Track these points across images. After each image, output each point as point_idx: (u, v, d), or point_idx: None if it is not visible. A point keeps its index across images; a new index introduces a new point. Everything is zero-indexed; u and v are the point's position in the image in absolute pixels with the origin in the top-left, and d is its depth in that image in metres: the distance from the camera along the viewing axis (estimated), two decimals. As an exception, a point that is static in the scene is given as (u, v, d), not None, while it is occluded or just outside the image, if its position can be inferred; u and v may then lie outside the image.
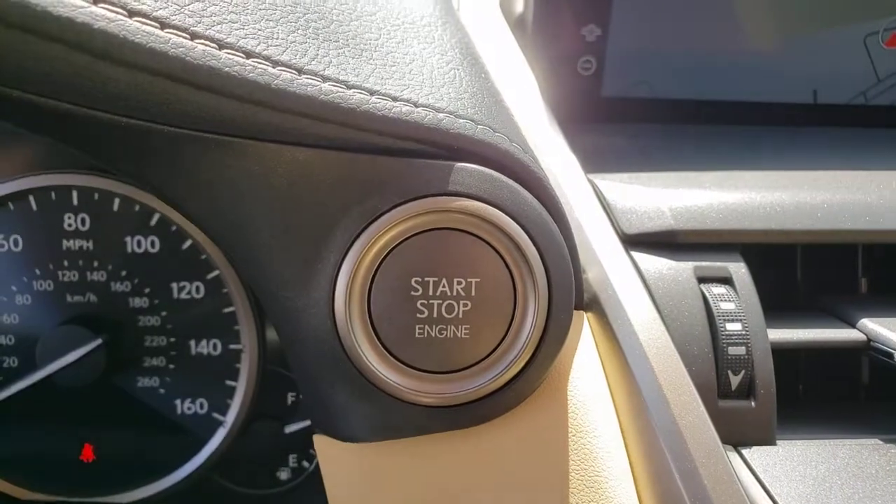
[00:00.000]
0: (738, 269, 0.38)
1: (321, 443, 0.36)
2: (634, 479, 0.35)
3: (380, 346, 0.33)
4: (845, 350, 0.38)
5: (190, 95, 0.26)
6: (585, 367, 0.36)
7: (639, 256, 0.39)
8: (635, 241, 0.39)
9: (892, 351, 0.36)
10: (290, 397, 0.54)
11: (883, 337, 0.37)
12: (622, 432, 0.36)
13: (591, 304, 0.38)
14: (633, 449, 0.35)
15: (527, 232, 0.33)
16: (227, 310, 0.50)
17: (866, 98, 0.60)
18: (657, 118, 0.58)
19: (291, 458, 0.55)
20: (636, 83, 0.58)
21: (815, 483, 0.34)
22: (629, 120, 0.58)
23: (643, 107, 0.59)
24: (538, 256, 0.33)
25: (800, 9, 0.58)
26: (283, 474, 0.55)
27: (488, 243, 0.33)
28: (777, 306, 0.40)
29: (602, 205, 0.41)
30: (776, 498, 0.33)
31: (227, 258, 0.47)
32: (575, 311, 0.36)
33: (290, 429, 0.53)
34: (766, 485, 0.33)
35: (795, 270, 0.43)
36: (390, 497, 0.35)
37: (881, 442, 0.36)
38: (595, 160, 0.45)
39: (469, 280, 0.33)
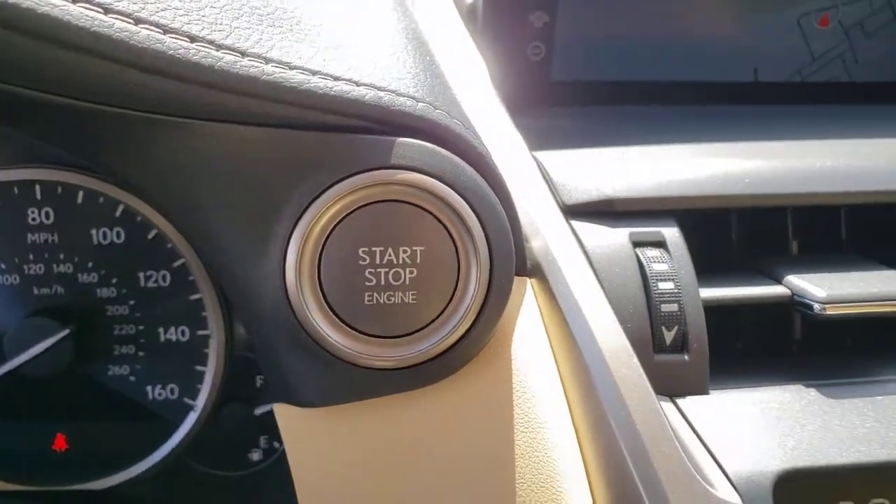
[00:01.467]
0: (672, 234, 0.40)
1: (282, 411, 0.38)
2: (576, 430, 0.37)
3: (331, 313, 0.35)
4: (773, 305, 0.40)
5: (136, 78, 0.28)
6: (529, 330, 0.39)
7: (578, 225, 0.41)
8: (575, 211, 0.41)
9: (812, 303, 0.39)
10: (259, 380, 0.55)
11: (805, 291, 0.40)
12: (564, 389, 0.38)
13: (535, 270, 0.40)
14: (574, 404, 0.37)
15: (467, 202, 0.35)
16: (193, 297, 0.52)
17: (802, 76, 0.63)
18: (606, 100, 0.61)
19: (262, 440, 0.56)
20: (585, 67, 0.61)
21: (744, 426, 0.36)
22: (579, 103, 0.61)
23: (592, 90, 0.61)
24: (479, 225, 0.35)
25: (737, -8, 0.61)
26: (255, 455, 0.57)
27: (431, 213, 0.35)
28: (713, 269, 0.43)
29: (544, 178, 0.43)
30: (706, 442, 0.35)
31: (189, 241, 0.49)
32: (518, 278, 0.39)
33: (260, 411, 0.55)
34: (698, 430, 0.36)
35: (730, 235, 0.45)
36: (348, 458, 0.37)
37: (803, 387, 0.38)
38: (540, 139, 0.47)
39: (414, 248, 0.35)
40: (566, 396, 0.38)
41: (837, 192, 0.44)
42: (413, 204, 0.35)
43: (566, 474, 0.36)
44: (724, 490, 0.33)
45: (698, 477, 0.33)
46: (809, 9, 0.62)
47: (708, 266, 0.42)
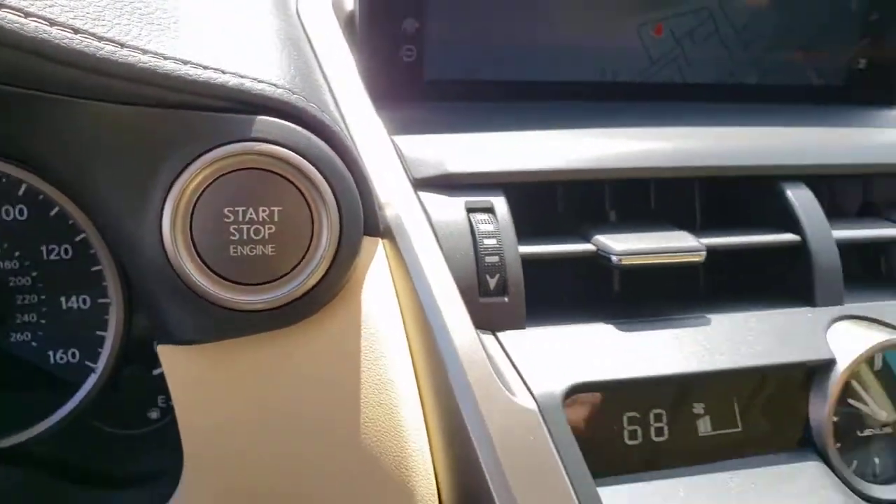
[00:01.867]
0: (499, 202, 0.49)
1: (164, 351, 0.44)
2: (413, 361, 0.45)
3: (202, 263, 0.42)
4: (583, 259, 0.49)
5: (24, 61, 0.34)
6: (379, 282, 0.46)
7: (424, 196, 0.49)
8: (422, 184, 0.49)
9: (611, 256, 0.48)
10: (156, 345, 0.61)
11: (606, 246, 0.48)
12: (406, 333, 0.45)
13: (386, 233, 0.48)
14: (413, 340, 0.45)
15: (319, 170, 0.42)
16: (94, 268, 0.57)
17: (643, 77, 0.73)
18: (473, 97, 0.69)
19: (160, 399, 0.62)
20: (454, 67, 0.69)
21: (549, 352, 0.44)
22: (450, 99, 0.69)
23: (461, 88, 0.69)
24: (329, 190, 0.43)
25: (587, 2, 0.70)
26: (153, 414, 0.62)
27: (287, 179, 0.42)
28: (543, 233, 0.51)
29: (398, 157, 0.51)
30: (516, 364, 0.43)
31: (89, 217, 0.54)
32: (370, 238, 0.46)
33: (157, 371, 0.60)
34: (511, 356, 0.44)
35: (557, 205, 0.54)
36: (222, 391, 0.43)
37: (604, 324, 0.47)
38: (400, 126, 0.55)
39: (272, 209, 0.42)
40: (407, 335, 0.45)
41: (646, 168, 0.53)
42: (271, 171, 0.42)
43: (403, 396, 0.44)
44: (524, 400, 0.42)
45: (505, 391, 0.42)
46: (647, 20, 0.72)
47: (538, 230, 0.51)
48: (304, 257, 0.43)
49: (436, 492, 0.43)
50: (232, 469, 0.45)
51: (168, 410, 0.63)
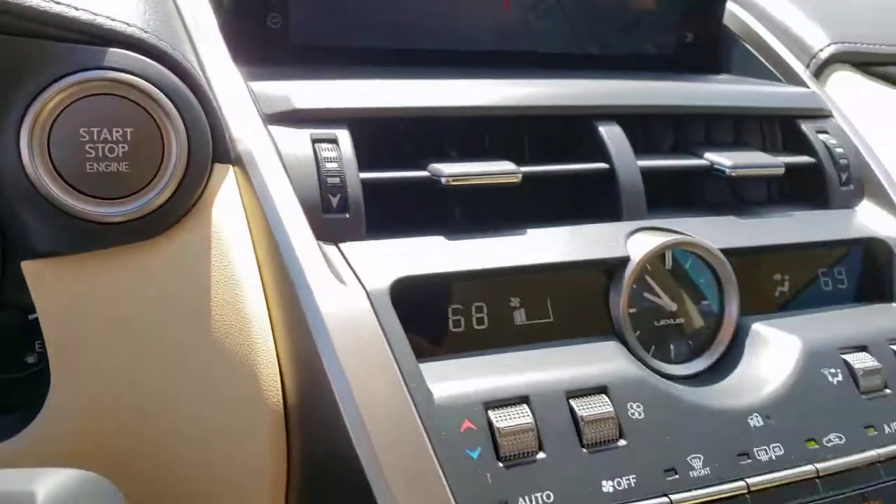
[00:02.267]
0: (342, 134, 0.55)
1: (28, 267, 0.48)
2: (261, 274, 0.50)
3: (59, 178, 0.46)
4: (423, 185, 0.56)
5: None
6: (229, 205, 0.52)
7: (274, 129, 0.55)
8: (272, 119, 0.55)
9: (440, 178, 0.55)
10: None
11: (437, 170, 0.55)
12: (254, 243, 0.51)
13: (237, 161, 0.53)
14: (259, 250, 0.51)
15: (169, 98, 0.48)
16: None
17: (496, 45, 0.81)
18: (336, 62, 0.75)
19: (37, 344, 0.65)
20: (318, 34, 0.75)
21: (383, 256, 0.51)
22: (315, 63, 0.75)
23: (324, 53, 0.75)
24: (178, 116, 0.48)
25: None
26: (31, 358, 0.65)
27: (139, 105, 0.47)
28: (388, 166, 0.58)
29: (250, 95, 0.56)
30: (354, 266, 0.50)
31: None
32: (222, 165, 0.52)
33: (33, 316, 0.63)
34: (350, 261, 0.50)
35: (402, 144, 0.60)
36: (82, 298, 0.48)
37: (433, 236, 0.53)
38: (257, 76, 0.60)
39: (125, 129, 0.47)
40: (254, 247, 0.51)
41: (478, 107, 0.61)
42: (123, 97, 0.47)
43: (250, 296, 0.49)
44: (356, 291, 0.48)
45: (339, 284, 0.48)
46: (495, -7, 0.80)
47: (383, 163, 0.57)
48: (155, 175, 0.48)
49: (278, 375, 0.48)
50: (96, 379, 0.49)
51: (45, 355, 0.66)
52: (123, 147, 0.47)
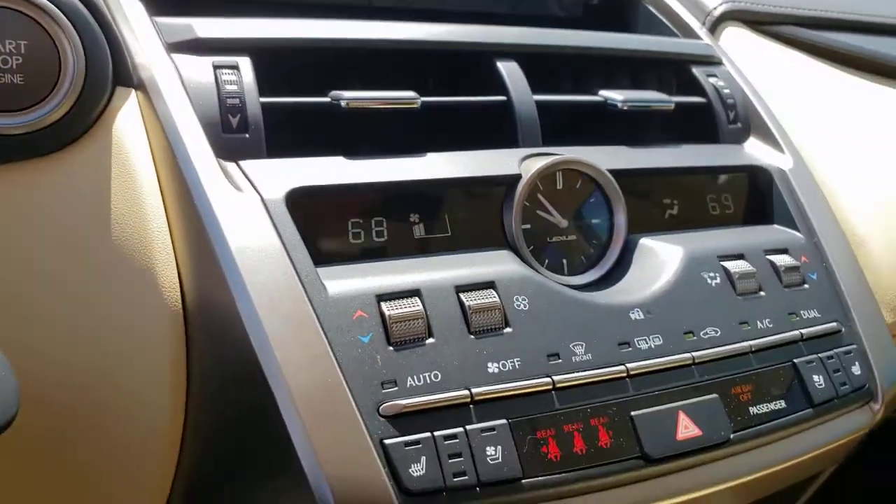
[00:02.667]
0: (244, 61, 0.57)
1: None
2: (162, 191, 0.52)
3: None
4: (327, 111, 0.58)
5: None
6: (131, 124, 0.53)
7: (177, 57, 0.56)
8: (175, 48, 0.57)
9: (339, 102, 0.57)
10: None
11: (337, 95, 0.58)
12: (156, 167, 0.53)
13: (140, 86, 0.55)
14: (161, 171, 0.52)
15: (65, 15, 0.49)
16: None
17: (406, 3, 0.85)
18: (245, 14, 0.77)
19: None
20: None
21: (284, 172, 0.53)
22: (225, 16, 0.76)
23: (235, 7, 0.77)
24: (75, 32, 0.50)
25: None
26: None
27: (32, 18, 0.48)
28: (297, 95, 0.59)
29: (153, 25, 0.58)
30: (251, 178, 0.51)
31: None
32: (124, 88, 0.53)
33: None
34: (250, 176, 0.52)
35: (309, 74, 0.62)
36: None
37: (334, 157, 0.56)
38: (161, 12, 0.62)
39: (19, 42, 0.48)
40: (156, 167, 0.53)
41: (381, 40, 0.63)
42: (18, 10, 0.48)
43: (150, 210, 0.51)
44: (253, 199, 0.50)
45: (238, 193, 0.50)
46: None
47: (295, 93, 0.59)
48: (53, 90, 0.49)
49: (177, 281, 0.50)
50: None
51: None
52: (17, 59, 0.48)
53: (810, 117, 0.82)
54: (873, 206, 0.75)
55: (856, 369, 0.61)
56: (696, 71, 0.78)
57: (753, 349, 0.57)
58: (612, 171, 0.62)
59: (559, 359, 0.51)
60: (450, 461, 0.44)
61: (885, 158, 0.80)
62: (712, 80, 0.78)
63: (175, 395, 0.50)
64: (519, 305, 0.51)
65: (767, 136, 0.77)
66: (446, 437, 0.45)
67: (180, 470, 0.51)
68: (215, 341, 0.49)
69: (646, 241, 0.62)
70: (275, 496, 0.47)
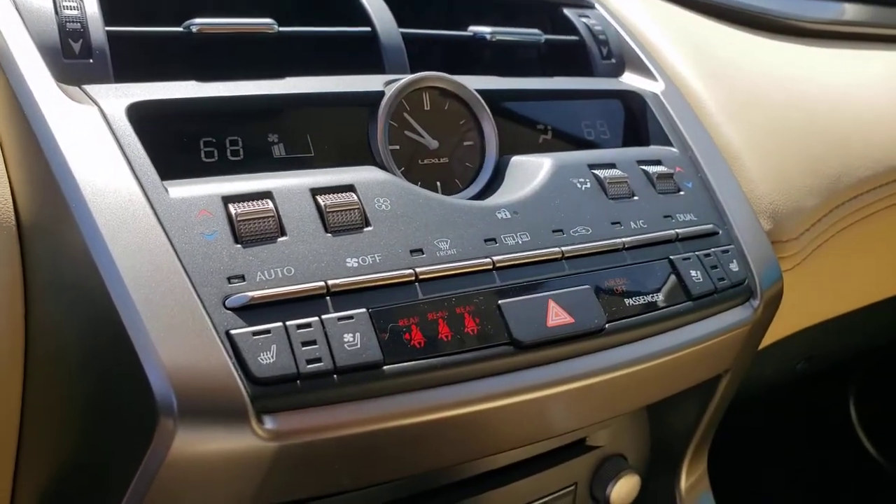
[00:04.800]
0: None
1: None
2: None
3: None
4: (181, 40, 0.56)
5: None
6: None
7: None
8: None
9: (191, 27, 0.56)
10: None
11: (190, 23, 0.56)
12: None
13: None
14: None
15: None
16: None
17: None
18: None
19: None
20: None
21: (125, 89, 0.51)
22: None
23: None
24: None
25: None
26: None
27: None
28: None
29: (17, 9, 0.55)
30: (90, 93, 0.49)
31: None
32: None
33: None
34: (88, 92, 0.50)
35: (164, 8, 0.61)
36: None
37: (188, 81, 0.54)
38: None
39: None
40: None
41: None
42: None
43: None
44: (90, 112, 0.48)
45: (77, 106, 0.48)
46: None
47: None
48: None
49: (10, 194, 0.47)
50: None
51: None
52: None
53: (685, 52, 0.84)
54: (746, 124, 0.77)
55: (734, 266, 0.62)
56: (569, 12, 0.80)
57: (626, 245, 0.57)
58: (479, 92, 0.62)
59: (423, 254, 0.49)
60: (303, 348, 0.42)
61: (756, 82, 0.83)
62: (584, 20, 0.80)
63: (13, 316, 0.47)
64: (381, 206, 0.50)
65: (641, 69, 0.79)
66: (300, 326, 0.43)
67: (26, 407, 0.48)
68: (54, 254, 0.46)
69: (518, 158, 0.62)
70: (122, 417, 0.45)
